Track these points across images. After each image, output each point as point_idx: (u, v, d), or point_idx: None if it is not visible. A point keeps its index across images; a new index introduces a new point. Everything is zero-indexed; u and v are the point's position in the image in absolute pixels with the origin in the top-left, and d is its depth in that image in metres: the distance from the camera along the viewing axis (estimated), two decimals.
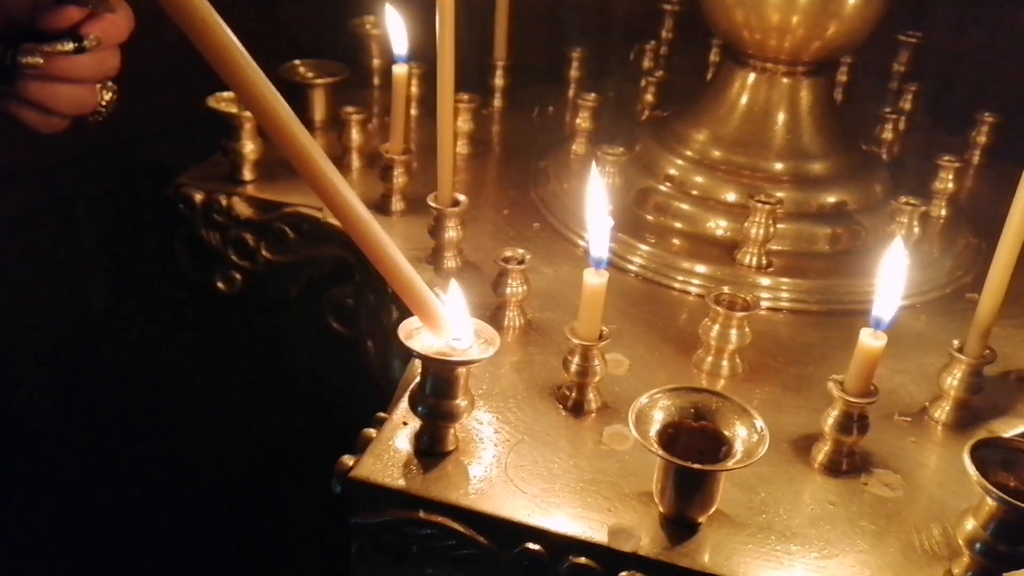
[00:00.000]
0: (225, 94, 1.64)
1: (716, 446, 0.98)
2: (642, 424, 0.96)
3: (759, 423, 0.97)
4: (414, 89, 1.95)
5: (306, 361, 2.03)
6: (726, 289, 1.27)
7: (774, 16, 1.47)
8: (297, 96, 1.83)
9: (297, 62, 1.88)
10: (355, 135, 1.73)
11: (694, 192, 1.56)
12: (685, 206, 1.56)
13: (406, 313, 1.01)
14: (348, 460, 1.03)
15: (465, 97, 1.81)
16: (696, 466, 0.92)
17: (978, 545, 0.92)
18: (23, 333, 1.91)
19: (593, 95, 1.80)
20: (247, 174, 1.67)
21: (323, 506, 1.08)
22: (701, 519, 0.97)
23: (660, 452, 0.93)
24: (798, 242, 1.51)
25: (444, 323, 1.00)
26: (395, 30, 1.50)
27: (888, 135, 1.90)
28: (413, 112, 1.93)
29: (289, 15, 2.17)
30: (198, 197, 1.67)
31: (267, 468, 2.13)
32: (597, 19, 2.33)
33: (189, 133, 1.74)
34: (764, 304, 1.39)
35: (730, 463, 0.94)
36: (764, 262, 1.46)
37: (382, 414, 1.12)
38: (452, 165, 1.39)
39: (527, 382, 1.19)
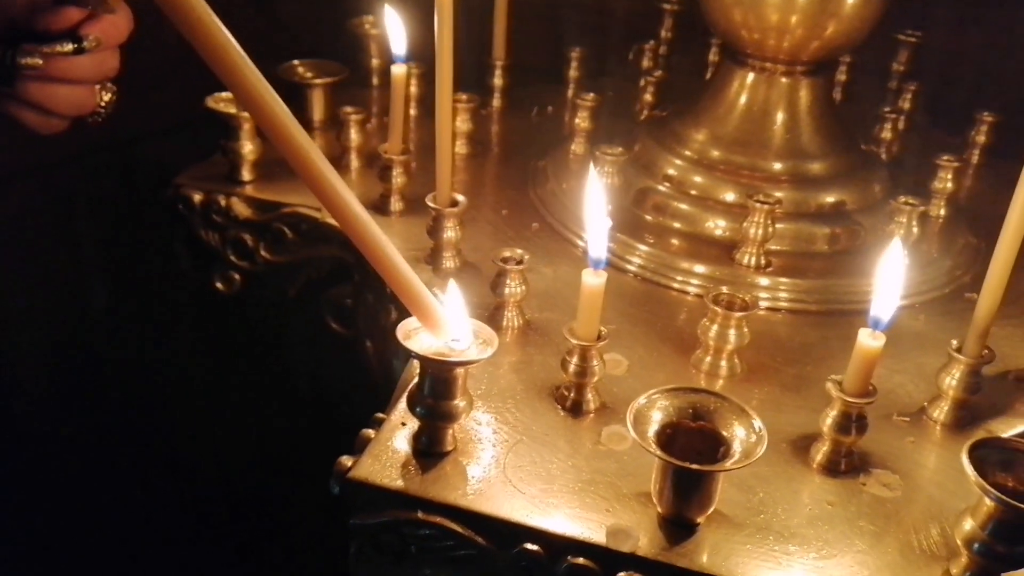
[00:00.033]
0: (224, 94, 1.63)
1: (714, 446, 0.98)
2: (640, 424, 0.96)
3: (757, 423, 0.96)
4: (413, 89, 1.95)
5: (305, 361, 2.03)
6: (725, 289, 1.27)
7: (773, 16, 1.47)
8: (296, 96, 1.83)
9: (296, 62, 1.88)
10: (354, 135, 1.73)
11: (693, 192, 1.56)
12: (684, 206, 1.56)
13: (405, 313, 1.01)
14: (346, 461, 1.03)
15: (464, 97, 1.81)
16: (694, 467, 0.92)
17: (976, 545, 0.91)
18: (23, 333, 1.91)
19: (592, 95, 1.80)
20: (246, 174, 1.67)
21: (323, 506, 1.08)
22: (699, 519, 0.97)
23: (658, 453, 0.93)
24: (797, 242, 1.51)
25: (443, 324, 1.00)
26: (394, 30, 1.50)
27: (887, 135, 1.90)
28: (412, 112, 1.93)
29: (288, 15, 2.17)
30: (197, 197, 1.67)
31: (267, 468, 2.13)
32: (596, 19, 2.33)
33: (189, 133, 1.74)
34: (763, 304, 1.39)
35: (728, 464, 0.94)
36: (763, 262, 1.46)
37: (380, 415, 1.12)
38: (451, 165, 1.39)
39: (525, 382, 1.19)
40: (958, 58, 2.13)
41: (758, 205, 1.43)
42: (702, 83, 1.79)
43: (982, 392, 1.18)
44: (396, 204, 1.60)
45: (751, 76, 1.57)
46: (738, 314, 1.22)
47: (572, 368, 1.13)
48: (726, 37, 1.60)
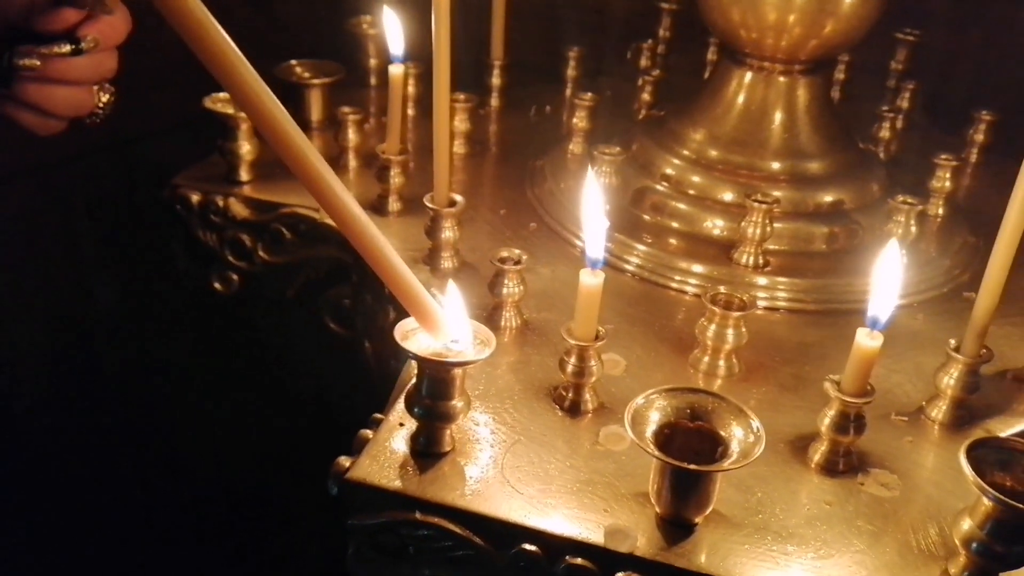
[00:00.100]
0: (222, 94, 1.63)
1: (712, 446, 0.98)
2: (638, 425, 0.96)
3: (755, 423, 0.96)
4: (411, 89, 1.96)
5: (303, 362, 2.03)
6: (723, 289, 1.27)
7: (771, 15, 1.47)
8: (293, 96, 1.83)
9: (293, 62, 1.88)
10: (352, 135, 1.73)
11: (691, 192, 1.56)
12: (682, 206, 1.56)
13: (403, 314, 1.01)
14: (344, 461, 1.03)
15: (462, 97, 1.81)
16: (692, 467, 0.92)
17: (974, 545, 0.91)
18: (23, 333, 1.91)
19: (590, 94, 1.80)
20: (244, 175, 1.67)
21: (322, 506, 1.08)
22: (697, 519, 0.97)
23: (656, 453, 0.93)
24: (795, 241, 1.51)
25: (441, 325, 1.00)
26: (392, 30, 1.50)
27: (885, 134, 1.90)
28: (410, 112, 1.94)
29: (286, 15, 2.17)
30: (195, 198, 1.67)
31: (266, 468, 2.13)
32: (594, 18, 2.33)
33: (189, 133, 1.74)
34: (761, 304, 1.39)
35: (726, 464, 0.94)
36: (761, 261, 1.46)
37: (378, 415, 1.12)
38: (449, 165, 1.39)
39: (523, 383, 1.19)
40: (956, 57, 2.14)
41: (756, 204, 1.43)
42: (700, 82, 1.79)
43: (980, 391, 1.18)
44: (394, 204, 1.60)
45: (749, 75, 1.57)
46: (736, 314, 1.22)
47: (570, 368, 1.13)
48: (724, 36, 1.60)
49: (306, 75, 1.88)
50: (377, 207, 1.59)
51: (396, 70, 1.53)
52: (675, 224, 1.55)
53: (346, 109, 1.73)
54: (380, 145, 1.59)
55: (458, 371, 1.01)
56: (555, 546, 0.96)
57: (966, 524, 0.92)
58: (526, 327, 1.31)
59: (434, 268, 1.43)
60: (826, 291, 1.44)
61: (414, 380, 1.03)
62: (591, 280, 1.07)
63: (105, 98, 1.24)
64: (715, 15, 1.55)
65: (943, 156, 1.66)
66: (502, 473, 1.03)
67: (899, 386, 1.26)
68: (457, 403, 1.02)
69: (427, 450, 1.04)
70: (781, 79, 1.55)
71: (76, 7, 1.12)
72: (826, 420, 1.07)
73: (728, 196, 1.54)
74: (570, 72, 2.15)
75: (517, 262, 1.29)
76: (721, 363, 1.25)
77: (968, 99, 2.00)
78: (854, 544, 0.98)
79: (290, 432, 2.08)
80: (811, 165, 1.56)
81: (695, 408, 1.00)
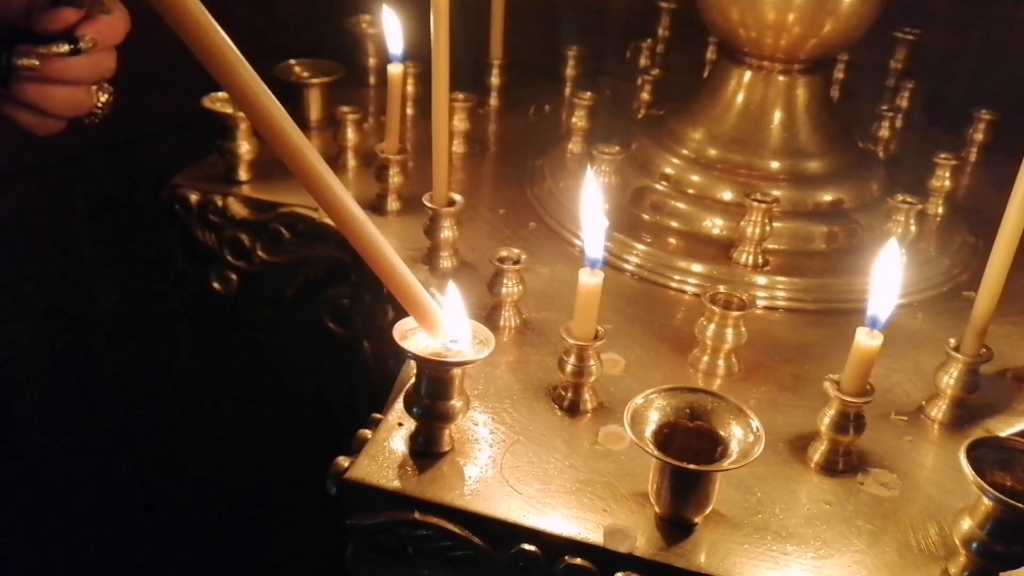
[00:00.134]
0: (220, 94, 1.63)
1: (712, 446, 0.97)
2: (637, 425, 0.96)
3: (755, 423, 0.96)
4: (410, 88, 1.96)
5: (302, 361, 2.03)
6: (722, 288, 1.26)
7: (770, 14, 1.47)
8: (292, 96, 1.83)
9: (292, 62, 1.88)
10: (351, 135, 1.73)
11: (690, 191, 1.56)
12: (681, 205, 1.55)
13: (402, 313, 1.01)
14: (343, 461, 1.03)
15: (461, 96, 1.81)
16: (691, 467, 0.92)
17: (975, 545, 0.91)
18: (22, 333, 1.91)
19: (589, 94, 1.80)
20: (243, 174, 1.67)
21: (321, 506, 1.07)
22: (697, 519, 0.97)
23: (655, 453, 0.93)
24: (794, 241, 1.51)
25: (440, 324, 1.00)
26: (391, 29, 1.50)
27: (885, 133, 1.90)
28: (409, 111, 1.94)
29: (285, 14, 2.17)
30: (193, 197, 1.67)
31: (265, 468, 2.12)
32: (594, 17, 2.33)
33: (188, 133, 1.74)
34: (760, 303, 1.39)
35: (726, 464, 0.94)
36: (760, 261, 1.46)
37: (377, 415, 1.12)
38: (448, 164, 1.39)
39: (523, 382, 1.19)
40: (956, 56, 2.14)
41: (755, 204, 1.42)
42: (699, 82, 1.79)
43: (980, 391, 1.18)
44: (393, 204, 1.60)
45: (748, 74, 1.57)
46: (735, 313, 1.22)
47: (569, 368, 1.13)
48: (723, 36, 1.60)
49: (305, 74, 1.88)
50: (376, 206, 1.59)
51: (395, 69, 1.53)
52: (674, 223, 1.55)
53: (345, 108, 1.72)
54: (379, 144, 1.59)
55: (457, 371, 1.01)
56: (554, 546, 0.96)
57: (966, 524, 0.92)
58: (525, 327, 1.31)
59: (433, 268, 1.43)
60: (825, 290, 1.44)
61: (413, 380, 1.03)
62: (590, 280, 1.07)
63: (104, 98, 1.24)
64: (714, 14, 1.54)
65: (942, 155, 1.66)
66: (501, 473, 1.03)
67: (899, 385, 1.25)
68: (456, 403, 1.02)
69: (426, 450, 1.04)
70: (780, 78, 1.55)
71: (74, 7, 1.12)
72: (826, 420, 1.07)
73: (727, 195, 1.54)
74: (569, 71, 2.15)
75: (516, 262, 1.28)
76: (720, 363, 1.25)
77: (968, 98, 2.00)
78: (854, 544, 0.98)
79: (289, 432, 2.08)
80: (810, 164, 1.56)
81: (695, 408, 0.99)
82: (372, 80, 2.10)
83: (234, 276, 1.72)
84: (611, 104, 1.97)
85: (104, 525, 2.02)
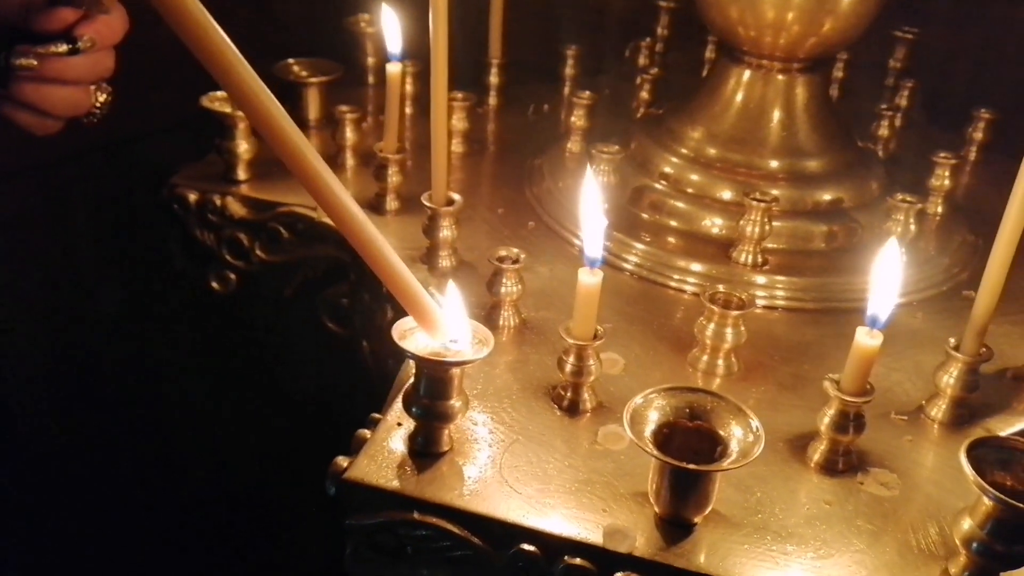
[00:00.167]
0: (219, 93, 1.63)
1: (711, 446, 0.97)
2: (637, 424, 0.96)
3: (755, 423, 0.96)
4: (408, 87, 1.96)
5: (301, 361, 2.03)
6: (721, 287, 1.26)
7: (769, 13, 1.47)
8: (291, 95, 1.83)
9: (291, 61, 1.88)
10: (349, 134, 1.73)
11: (689, 190, 1.56)
12: (680, 204, 1.55)
13: (401, 313, 1.01)
14: (342, 461, 1.03)
15: (460, 95, 1.81)
16: (691, 466, 0.92)
17: (975, 545, 0.91)
18: (20, 333, 1.91)
19: (588, 93, 1.80)
20: (241, 174, 1.67)
21: (321, 506, 1.07)
22: (697, 519, 0.97)
23: (655, 453, 0.92)
24: (794, 240, 1.51)
25: (439, 324, 0.99)
26: (390, 28, 1.50)
27: (884, 132, 1.90)
28: (407, 111, 1.93)
29: (284, 13, 2.17)
30: (192, 197, 1.66)
31: (264, 467, 2.12)
32: (593, 16, 2.33)
33: (187, 133, 1.74)
34: (760, 302, 1.38)
35: (725, 463, 0.93)
36: (760, 260, 1.46)
37: (376, 415, 1.12)
38: (447, 164, 1.38)
39: (522, 382, 1.19)
40: (955, 55, 2.14)
41: (755, 203, 1.42)
42: (699, 81, 1.79)
43: (980, 390, 1.18)
44: (392, 203, 1.59)
45: (747, 73, 1.57)
46: (735, 313, 1.22)
47: (568, 367, 1.13)
48: (722, 34, 1.59)
49: (304, 73, 1.88)
50: (375, 206, 1.59)
51: (394, 68, 1.52)
52: (674, 223, 1.55)
53: (344, 108, 1.72)
54: (378, 144, 1.58)
55: (456, 371, 1.01)
56: (553, 546, 0.96)
57: (966, 524, 0.92)
58: (524, 326, 1.31)
59: (432, 267, 1.43)
60: (825, 289, 1.44)
61: (412, 380, 1.03)
62: (590, 279, 1.07)
63: (102, 98, 1.24)
64: (713, 13, 1.54)
65: (942, 154, 1.66)
66: (500, 473, 1.03)
67: (899, 385, 1.25)
68: (455, 403, 1.02)
69: (425, 450, 1.04)
70: (780, 77, 1.55)
71: (73, 7, 1.11)
72: (825, 419, 1.07)
73: (727, 194, 1.54)
74: (568, 70, 2.14)
75: (515, 261, 1.28)
76: (720, 362, 1.25)
77: (967, 97, 2.00)
78: (854, 544, 0.98)
79: (288, 431, 2.08)
80: (810, 163, 1.56)
81: (694, 407, 0.99)
82: (371, 79, 2.10)
83: (233, 276, 1.71)
84: (610, 103, 1.96)
85: (104, 525, 2.02)
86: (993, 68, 2.10)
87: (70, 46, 1.10)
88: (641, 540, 0.95)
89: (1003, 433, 1.15)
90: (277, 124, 0.83)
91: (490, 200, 1.68)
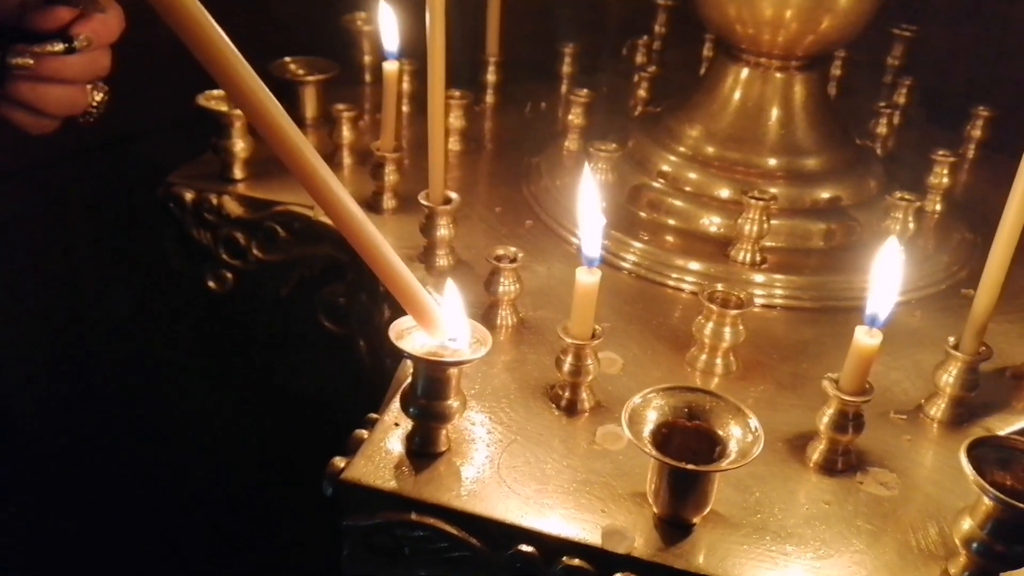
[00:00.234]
0: (215, 92, 1.63)
1: (710, 446, 0.97)
2: (635, 424, 0.96)
3: (753, 423, 0.96)
4: (405, 86, 1.95)
5: (298, 360, 2.03)
6: (720, 286, 1.26)
7: (767, 11, 1.46)
8: (288, 93, 1.82)
9: (287, 59, 1.87)
10: (346, 132, 1.73)
11: (687, 188, 1.56)
12: (678, 203, 1.55)
13: (398, 312, 1.00)
14: (339, 462, 1.02)
15: (457, 93, 1.80)
16: (690, 467, 0.91)
17: (975, 545, 0.91)
18: (18, 333, 1.91)
19: (586, 91, 1.80)
20: (238, 172, 1.66)
21: (319, 506, 1.07)
22: (695, 520, 0.97)
23: (653, 453, 0.92)
24: (792, 238, 1.51)
25: (438, 322, 0.99)
26: (386, 26, 1.49)
27: (882, 129, 1.90)
28: (404, 109, 1.93)
29: (280, 11, 2.17)
30: (188, 196, 1.66)
31: (262, 467, 2.12)
32: (590, 14, 2.33)
33: (184, 131, 1.73)
34: (758, 301, 1.38)
35: (724, 464, 0.93)
36: (758, 259, 1.45)
37: (373, 415, 1.11)
38: (444, 162, 1.38)
39: (520, 382, 1.19)
40: (954, 53, 2.14)
41: (753, 201, 1.42)
42: (696, 79, 1.78)
43: (979, 389, 1.18)
44: (389, 202, 1.59)
45: (745, 71, 1.57)
46: (733, 312, 1.22)
47: (567, 367, 1.12)
48: (720, 32, 1.59)
49: (300, 72, 1.87)
50: (372, 204, 1.59)
51: (391, 67, 1.52)
52: (672, 221, 1.55)
53: (340, 106, 1.72)
54: (375, 142, 1.58)
55: (454, 371, 1.00)
56: (552, 547, 0.96)
57: (966, 524, 0.92)
58: (522, 325, 1.31)
59: (429, 266, 1.42)
60: (823, 288, 1.44)
61: (409, 379, 1.02)
62: (588, 278, 1.06)
63: (99, 97, 1.24)
64: (711, 11, 1.54)
65: (940, 152, 1.66)
66: (498, 473, 1.03)
67: (898, 384, 1.25)
68: (453, 403, 1.01)
69: (422, 450, 1.04)
70: (778, 75, 1.55)
71: (69, 5, 1.11)
72: (825, 419, 1.07)
73: (725, 193, 1.54)
74: (566, 68, 2.14)
75: (513, 260, 1.28)
76: (718, 361, 1.24)
77: (965, 95, 2.00)
78: (853, 544, 0.98)
79: (285, 431, 2.08)
80: (808, 161, 1.55)
81: (693, 407, 0.99)
82: (368, 77, 2.10)
83: (229, 275, 1.71)
84: (608, 101, 1.96)
85: (104, 525, 2.02)
86: (992, 66, 2.10)
87: (66, 45, 1.10)
88: (640, 541, 0.95)
89: (1002, 432, 1.15)
90: (275, 122, 0.82)
91: (488, 199, 1.67)
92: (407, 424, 1.05)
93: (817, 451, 1.08)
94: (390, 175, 1.57)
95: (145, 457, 2.09)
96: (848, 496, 1.04)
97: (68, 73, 1.15)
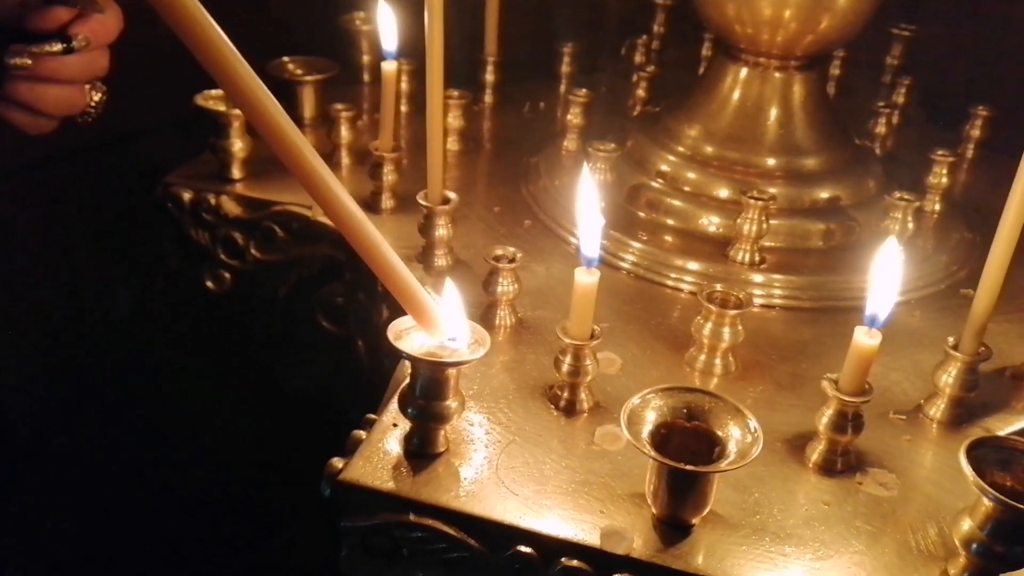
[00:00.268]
0: (213, 92, 1.63)
1: (709, 446, 0.97)
2: (634, 425, 0.96)
3: (752, 423, 0.96)
4: (404, 85, 1.95)
5: (297, 360, 2.03)
6: (719, 286, 1.26)
7: (766, 10, 1.46)
8: (286, 93, 1.82)
9: (286, 59, 1.87)
10: (344, 132, 1.72)
11: (686, 188, 1.56)
12: (677, 202, 1.55)
13: (396, 312, 1.00)
14: (337, 463, 1.02)
15: (455, 93, 1.80)
16: (689, 467, 0.91)
17: (974, 546, 0.91)
18: (17, 332, 1.91)
19: (584, 90, 1.79)
20: (236, 172, 1.66)
21: (319, 506, 1.07)
22: (694, 520, 0.97)
23: (652, 453, 0.92)
24: (791, 238, 1.51)
25: (437, 322, 0.99)
26: (385, 26, 1.49)
27: (881, 129, 1.90)
28: (403, 109, 1.92)
29: (279, 11, 2.16)
30: (186, 196, 1.66)
31: (261, 467, 2.12)
32: (589, 13, 2.33)
33: (183, 131, 1.73)
34: (757, 301, 1.38)
35: (723, 464, 0.93)
36: (757, 259, 1.45)
37: (372, 415, 1.11)
38: (442, 162, 1.38)
39: (518, 382, 1.18)
40: (953, 52, 2.13)
41: (752, 201, 1.42)
42: (695, 78, 1.78)
43: (979, 389, 1.18)
44: (387, 202, 1.59)
45: (744, 71, 1.57)
46: (732, 312, 1.22)
47: (565, 367, 1.12)
48: (719, 32, 1.59)
49: (299, 72, 1.87)
50: (370, 204, 1.58)
51: (389, 66, 1.52)
52: (670, 221, 1.55)
53: (339, 106, 1.72)
54: (373, 142, 1.58)
55: (452, 371, 1.00)
56: (550, 548, 0.96)
57: (966, 524, 0.92)
58: (521, 325, 1.30)
59: (428, 266, 1.42)
60: (823, 288, 1.44)
61: (407, 380, 1.02)
62: (586, 279, 1.06)
63: (97, 97, 1.24)
64: (710, 10, 1.54)
65: (939, 152, 1.66)
66: (497, 474, 1.02)
67: (897, 384, 1.25)
68: (451, 403, 1.01)
69: (421, 451, 1.04)
70: (776, 75, 1.55)
71: (67, 6, 1.11)
72: (824, 419, 1.06)
73: (724, 193, 1.54)
74: (564, 68, 2.14)
75: (512, 260, 1.28)
76: (717, 361, 1.24)
77: (964, 94, 2.00)
78: (853, 545, 0.98)
79: (284, 431, 2.08)
80: (807, 161, 1.55)
81: (692, 408, 0.99)
82: (366, 77, 2.09)
83: (228, 275, 1.71)
84: (606, 101, 1.96)
85: (103, 525, 2.01)
86: (991, 65, 2.10)
87: (65, 45, 1.10)
88: (639, 542, 0.95)
89: (1002, 432, 1.15)
90: (274, 122, 0.82)
91: (486, 198, 1.67)
92: (405, 425, 1.05)
93: (816, 452, 1.08)
94: (388, 175, 1.57)
95: (144, 457, 2.08)
96: (847, 497, 1.04)
97: (66, 73, 1.15)
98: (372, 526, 1.00)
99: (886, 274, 1.02)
